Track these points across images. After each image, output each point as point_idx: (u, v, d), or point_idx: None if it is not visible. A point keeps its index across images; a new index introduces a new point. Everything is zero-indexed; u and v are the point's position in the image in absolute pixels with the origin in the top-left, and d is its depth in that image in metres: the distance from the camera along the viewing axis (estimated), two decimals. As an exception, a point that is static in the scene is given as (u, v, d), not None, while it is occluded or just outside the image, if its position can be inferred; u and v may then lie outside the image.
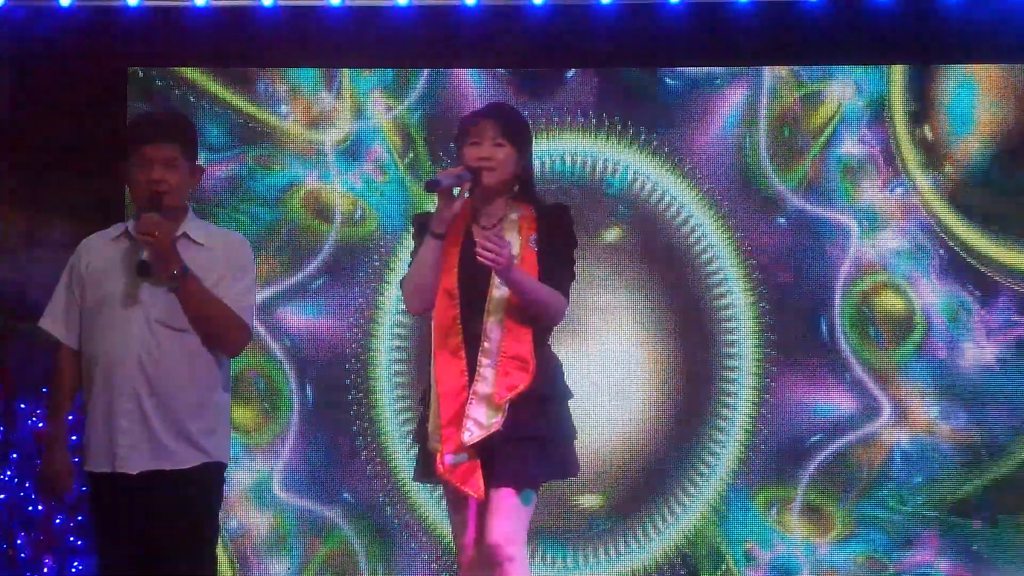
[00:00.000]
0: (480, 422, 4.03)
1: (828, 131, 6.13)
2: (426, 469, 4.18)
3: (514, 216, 4.16)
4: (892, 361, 6.09)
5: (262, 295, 5.94)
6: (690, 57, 6.17)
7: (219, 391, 4.05)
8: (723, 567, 6.03)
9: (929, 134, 6.14)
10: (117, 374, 3.94)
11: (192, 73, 6.12)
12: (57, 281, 4.11)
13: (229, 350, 4.07)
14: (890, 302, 6.11)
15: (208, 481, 4.02)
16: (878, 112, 6.13)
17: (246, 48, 6.14)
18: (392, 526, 6.05)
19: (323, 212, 6.13)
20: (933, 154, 6.13)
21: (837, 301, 6.09)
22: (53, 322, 4.08)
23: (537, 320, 4.11)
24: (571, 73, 6.17)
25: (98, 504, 4.03)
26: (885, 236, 6.11)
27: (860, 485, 6.04)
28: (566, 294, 4.15)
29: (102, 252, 4.06)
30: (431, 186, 4.05)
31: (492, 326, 4.07)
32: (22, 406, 5.94)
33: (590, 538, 6.05)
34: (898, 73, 6.14)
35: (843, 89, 6.15)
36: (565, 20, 6.12)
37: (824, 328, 6.08)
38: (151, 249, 3.89)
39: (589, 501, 6.03)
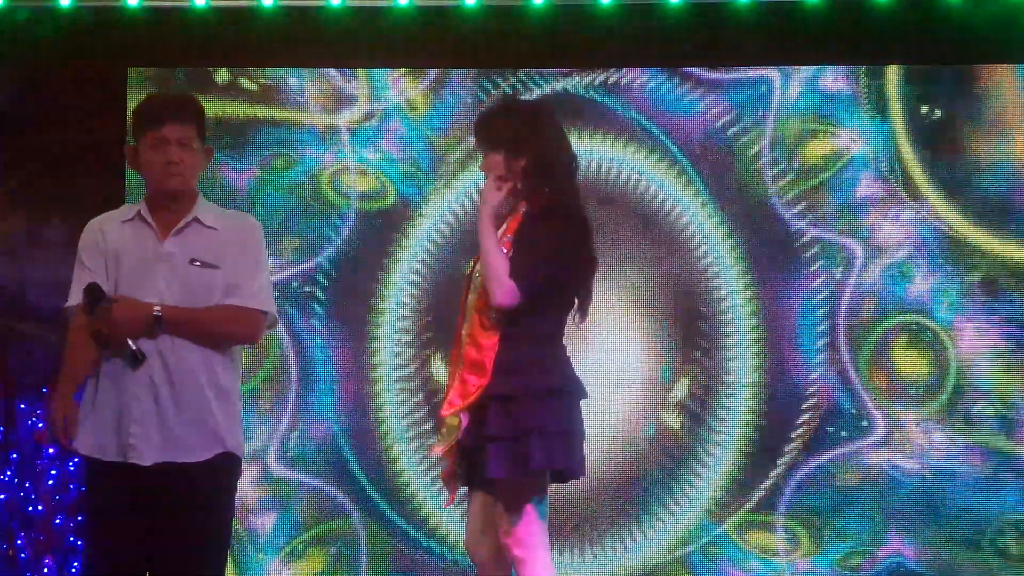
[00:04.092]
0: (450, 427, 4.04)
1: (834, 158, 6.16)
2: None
3: (510, 213, 4.17)
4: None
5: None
6: (690, 57, 6.18)
7: (233, 381, 3.98)
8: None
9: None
10: None
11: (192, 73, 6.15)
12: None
13: (248, 342, 4.07)
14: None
15: (221, 474, 3.92)
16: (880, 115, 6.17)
17: (246, 48, 6.15)
18: (396, 527, 6.06)
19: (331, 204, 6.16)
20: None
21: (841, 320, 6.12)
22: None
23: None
24: (571, 73, 6.19)
25: (102, 494, 3.91)
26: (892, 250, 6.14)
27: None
28: (519, 281, 3.95)
29: (117, 233, 3.98)
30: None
31: (464, 332, 4.07)
32: (22, 406, 5.94)
33: (586, 538, 6.05)
34: (896, 73, 6.17)
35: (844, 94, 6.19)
36: (565, 20, 6.13)
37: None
38: (118, 335, 3.82)
39: (586, 501, 6.03)
